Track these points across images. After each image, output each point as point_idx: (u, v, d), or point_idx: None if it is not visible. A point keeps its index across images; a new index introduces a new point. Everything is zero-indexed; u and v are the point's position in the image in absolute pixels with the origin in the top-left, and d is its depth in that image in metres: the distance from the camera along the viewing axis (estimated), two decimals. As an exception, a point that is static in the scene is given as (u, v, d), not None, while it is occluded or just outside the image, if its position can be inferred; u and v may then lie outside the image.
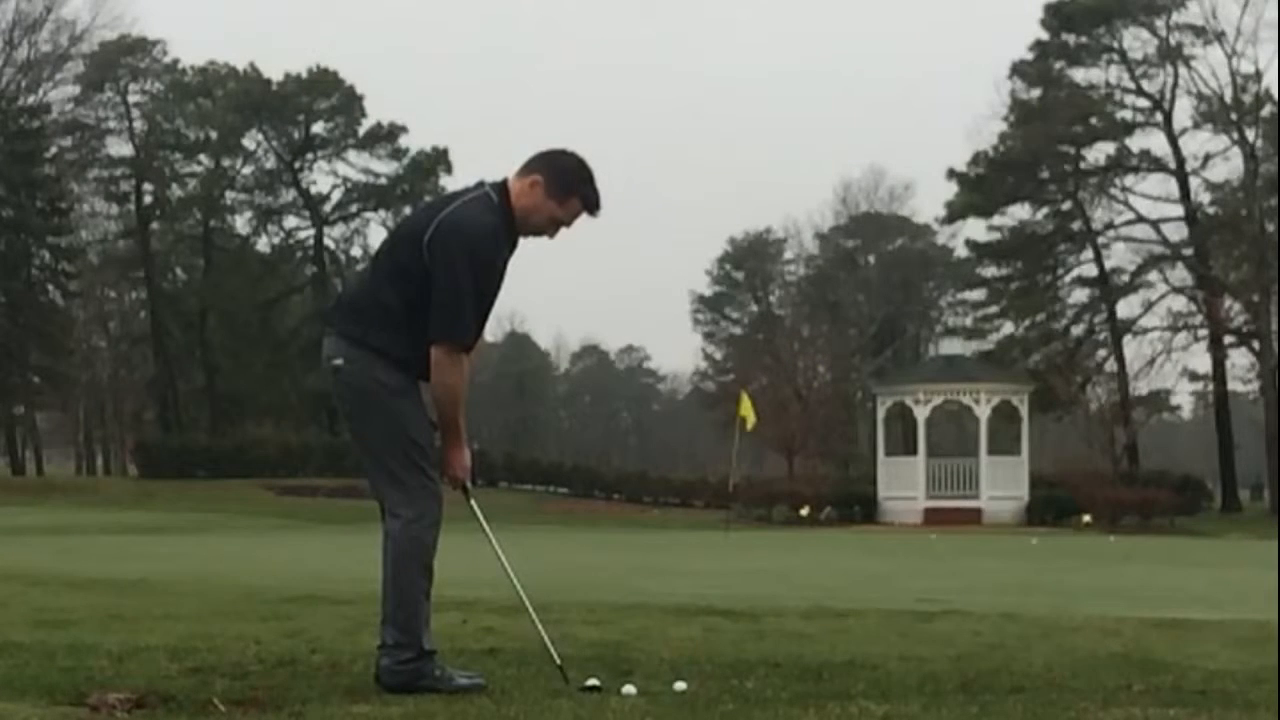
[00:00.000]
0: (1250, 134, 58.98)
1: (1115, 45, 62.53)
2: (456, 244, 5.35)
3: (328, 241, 73.38)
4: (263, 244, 74.97)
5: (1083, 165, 63.34)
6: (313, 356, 59.31)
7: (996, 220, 65.24)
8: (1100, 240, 64.04)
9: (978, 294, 68.96)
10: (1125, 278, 63.26)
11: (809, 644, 7.41)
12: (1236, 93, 59.26)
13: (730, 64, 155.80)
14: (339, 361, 5.52)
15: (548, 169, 5.51)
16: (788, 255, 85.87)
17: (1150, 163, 62.77)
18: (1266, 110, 58.13)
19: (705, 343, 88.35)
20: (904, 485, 45.95)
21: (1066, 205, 64.23)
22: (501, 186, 5.54)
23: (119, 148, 70.87)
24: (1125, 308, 63.18)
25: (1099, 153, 63.61)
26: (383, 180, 72.17)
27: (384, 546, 5.50)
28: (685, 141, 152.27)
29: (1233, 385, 61.17)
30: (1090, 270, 64.99)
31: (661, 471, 65.02)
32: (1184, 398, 73.16)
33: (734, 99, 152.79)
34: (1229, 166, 60.42)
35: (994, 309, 66.85)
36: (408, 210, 53.63)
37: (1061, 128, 61.30)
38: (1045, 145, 61.29)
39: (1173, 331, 60.11)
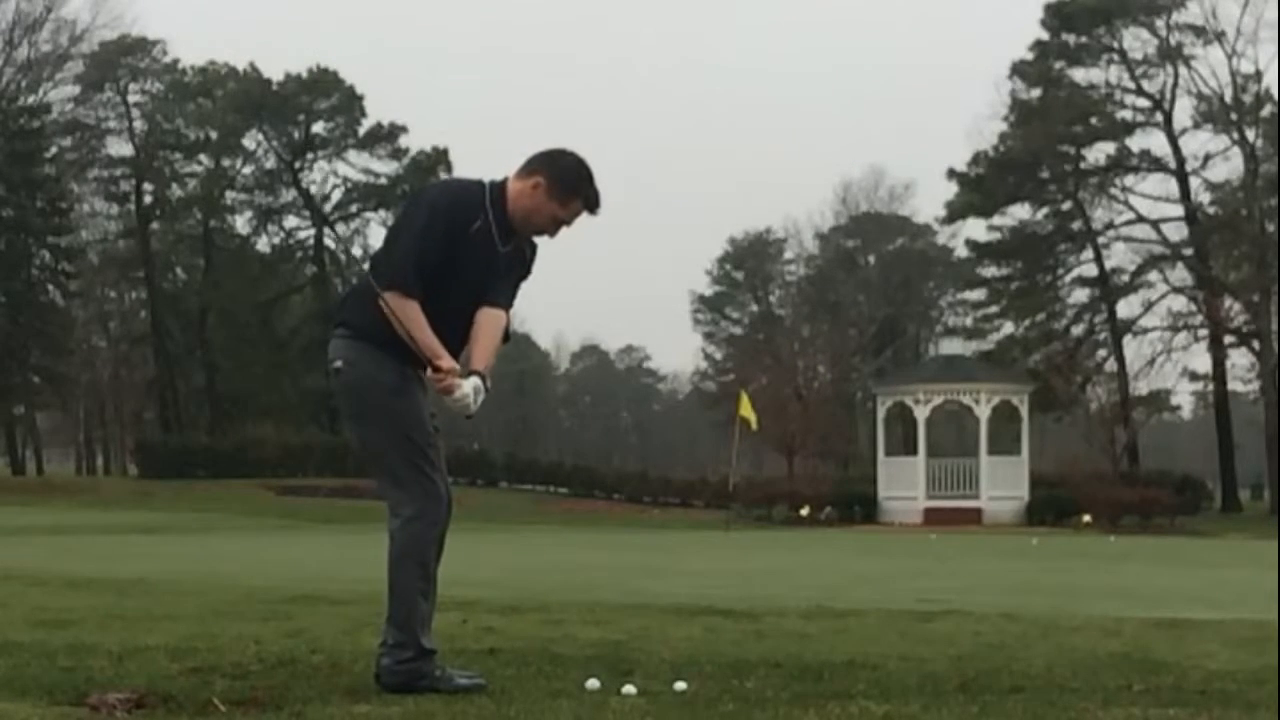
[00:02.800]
0: (1250, 134, 59.01)
1: (1115, 45, 62.53)
2: (420, 198, 5.63)
3: (328, 241, 73.44)
4: (263, 244, 75.03)
5: (1083, 165, 63.35)
6: (313, 356, 59.49)
7: (996, 220, 65.32)
8: (1100, 240, 64.07)
9: (978, 294, 68.98)
10: (1125, 278, 63.28)
11: (809, 644, 7.40)
12: (1236, 93, 59.28)
13: (730, 64, 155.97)
14: (338, 364, 5.56)
15: (549, 170, 5.51)
16: (788, 255, 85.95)
17: (1150, 163, 62.80)
18: (1266, 110, 58.15)
19: (705, 343, 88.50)
20: (904, 485, 45.90)
21: (1066, 205, 64.23)
22: (499, 185, 5.55)
23: (119, 148, 70.99)
24: (1125, 308, 63.30)
25: (1099, 153, 63.72)
26: (383, 180, 72.15)
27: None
28: (685, 141, 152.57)
29: (1233, 385, 61.20)
30: (1090, 270, 65.05)
31: (661, 471, 64.99)
32: (1184, 398, 73.16)
33: (734, 99, 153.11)
34: (1229, 166, 60.57)
35: (994, 309, 66.88)
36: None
37: (1061, 128, 61.31)
38: (1045, 145, 61.27)
39: (1173, 331, 60.12)
